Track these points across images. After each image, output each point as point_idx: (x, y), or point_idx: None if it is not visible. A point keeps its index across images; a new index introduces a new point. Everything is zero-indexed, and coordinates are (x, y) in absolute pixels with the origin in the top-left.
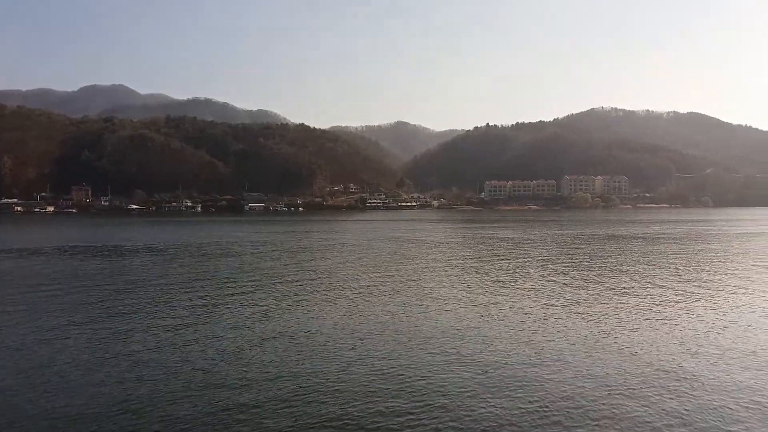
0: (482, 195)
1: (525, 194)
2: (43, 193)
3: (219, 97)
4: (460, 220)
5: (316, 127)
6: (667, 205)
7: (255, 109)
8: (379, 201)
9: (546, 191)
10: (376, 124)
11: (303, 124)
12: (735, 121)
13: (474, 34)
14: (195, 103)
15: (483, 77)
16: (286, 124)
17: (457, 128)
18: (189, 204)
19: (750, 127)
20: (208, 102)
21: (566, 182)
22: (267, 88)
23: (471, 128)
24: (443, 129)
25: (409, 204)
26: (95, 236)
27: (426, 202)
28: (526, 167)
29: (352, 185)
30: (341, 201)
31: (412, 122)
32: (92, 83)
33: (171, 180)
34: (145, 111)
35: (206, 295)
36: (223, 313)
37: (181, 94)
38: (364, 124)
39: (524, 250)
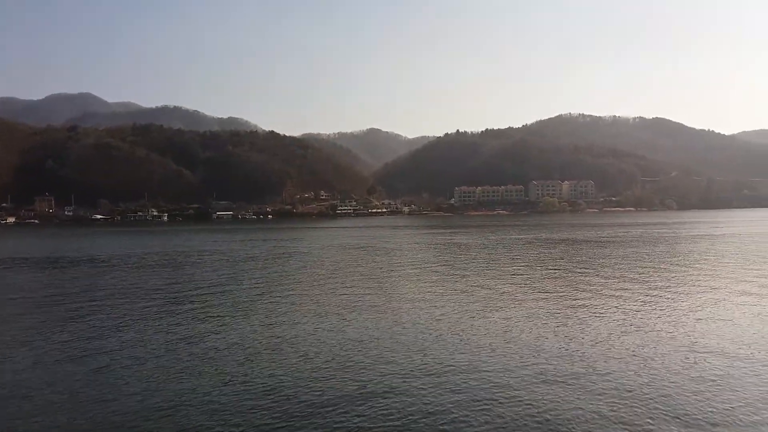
0: (452, 201)
1: (494, 199)
2: (4, 204)
3: (189, 105)
4: (423, 226)
5: (289, 134)
6: (633, 209)
7: (225, 116)
8: (349, 208)
9: (514, 196)
10: (349, 131)
11: (273, 131)
12: (698, 126)
13: (445, 41)
14: (164, 110)
15: (454, 84)
16: (256, 131)
17: (430, 135)
18: (155, 213)
19: (713, 131)
20: (177, 110)
21: (534, 187)
22: (238, 96)
23: (442, 135)
24: (416, 136)
25: (380, 210)
26: (40, 247)
27: (397, 208)
28: (496, 173)
29: (323, 192)
30: (311, 208)
31: (385, 129)
32: (58, 92)
33: (137, 189)
34: (113, 119)
35: (135, 309)
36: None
37: (150, 102)
38: (336, 131)
39: (471, 254)
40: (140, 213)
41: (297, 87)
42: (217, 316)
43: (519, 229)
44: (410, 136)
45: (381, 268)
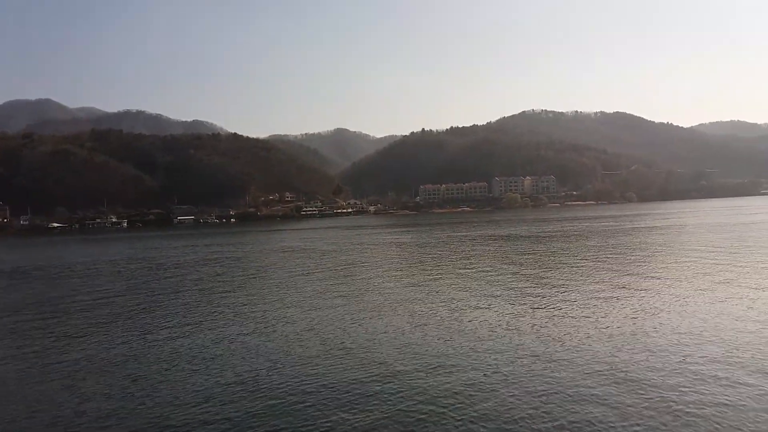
0: (418, 199)
1: (458, 197)
2: None
3: (152, 109)
4: (382, 225)
5: (256, 136)
6: (594, 202)
7: (190, 120)
8: (314, 209)
9: (478, 193)
10: (317, 131)
11: (235, 133)
12: (657, 119)
13: (412, 40)
14: (127, 115)
15: (421, 83)
16: (218, 134)
17: (397, 134)
18: (114, 220)
19: (671, 124)
20: (140, 114)
21: (497, 183)
22: (203, 99)
23: (409, 134)
24: (383, 135)
25: (346, 211)
26: None
27: (362, 208)
28: (461, 170)
29: (288, 194)
30: (276, 210)
31: (353, 129)
32: (17, 98)
33: (96, 196)
34: (74, 125)
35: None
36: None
37: (112, 107)
38: (303, 132)
39: (402, 253)
40: (99, 220)
41: (263, 88)
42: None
43: (470, 225)
44: (378, 135)
45: (297, 271)
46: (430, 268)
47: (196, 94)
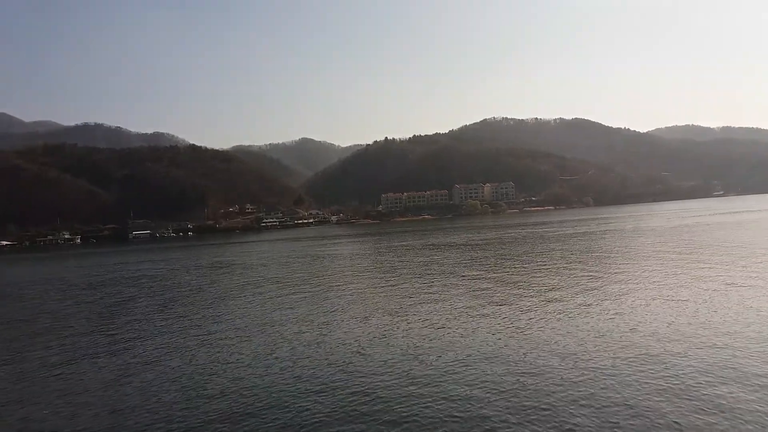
0: (380, 208)
1: (420, 205)
2: None
3: (111, 122)
4: (336, 235)
5: (220, 147)
6: (552, 207)
7: (150, 132)
8: (275, 220)
9: (439, 201)
10: (281, 141)
11: (194, 145)
12: (615, 125)
13: (375, 50)
14: (85, 128)
15: (385, 92)
16: (176, 146)
17: (363, 143)
18: (67, 236)
19: (629, 129)
20: (99, 127)
21: (457, 191)
22: (163, 111)
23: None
24: (349, 144)
25: (307, 221)
26: None
27: (324, 218)
28: (423, 178)
29: (248, 206)
30: (235, 223)
31: (318, 138)
32: None
33: (48, 212)
34: (30, 139)
35: None
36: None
37: (70, 120)
38: (268, 143)
39: (331, 265)
40: (51, 237)
41: (227, 100)
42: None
43: (428, 234)
44: (344, 145)
45: (215, 287)
46: (371, 277)
47: (157, 106)
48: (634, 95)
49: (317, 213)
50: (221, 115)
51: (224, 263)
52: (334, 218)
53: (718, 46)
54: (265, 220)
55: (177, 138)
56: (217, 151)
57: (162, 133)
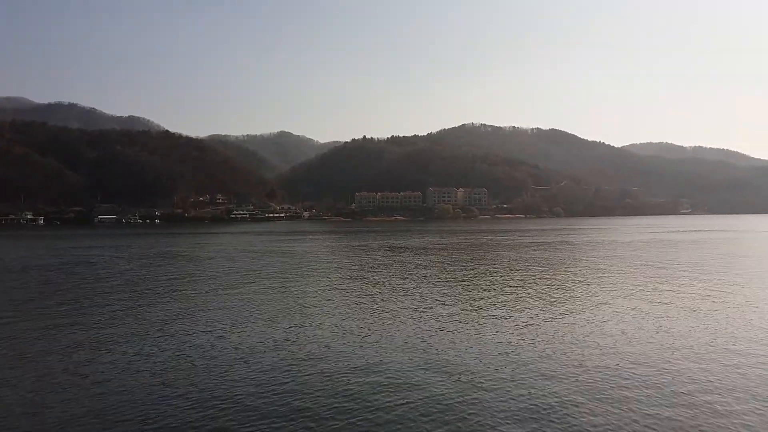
0: (353, 206)
1: (393, 205)
2: None
3: (86, 103)
4: (304, 231)
5: (196, 136)
6: (523, 216)
7: (125, 115)
8: (245, 212)
9: (412, 203)
10: (259, 133)
11: (167, 131)
12: (591, 138)
13: (359, 48)
14: (57, 107)
15: (366, 91)
16: (148, 131)
17: (342, 139)
18: (30, 216)
19: (603, 143)
20: (72, 107)
21: (431, 194)
22: (140, 95)
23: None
24: (327, 140)
25: (278, 215)
26: None
27: (296, 213)
28: (398, 179)
29: (219, 196)
30: (205, 212)
31: (297, 132)
32: None
33: (12, 190)
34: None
35: None
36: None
37: (44, 97)
38: (246, 134)
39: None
40: (12, 216)
41: (205, 87)
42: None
43: (394, 234)
44: (322, 141)
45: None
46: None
47: (135, 89)
48: (612, 110)
49: (289, 208)
50: (200, 103)
51: (171, 254)
52: (306, 214)
53: (693, 67)
54: (235, 212)
55: (152, 123)
56: (190, 138)
57: (137, 117)
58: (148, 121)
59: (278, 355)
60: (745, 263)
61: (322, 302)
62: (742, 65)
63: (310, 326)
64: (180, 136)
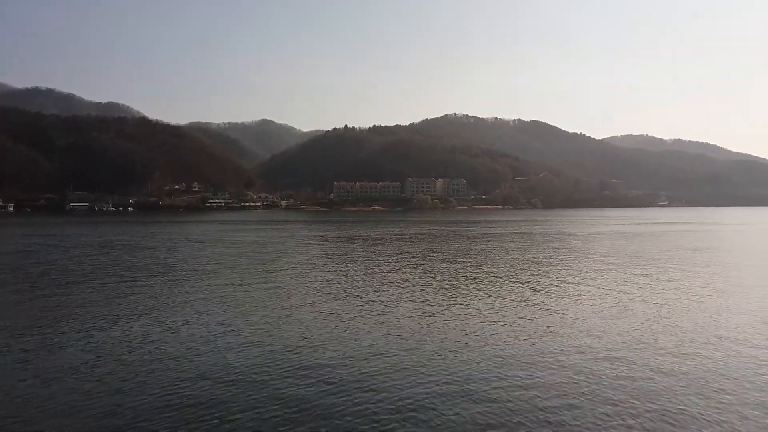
0: (331, 196)
1: (372, 195)
2: None
3: (64, 88)
4: (276, 221)
5: (177, 123)
6: (501, 207)
7: (105, 101)
8: (221, 201)
9: (391, 193)
10: (241, 121)
11: (144, 117)
12: (572, 130)
13: (344, 37)
14: (34, 92)
15: (350, 80)
16: (125, 117)
17: (324, 128)
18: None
19: (584, 135)
20: (50, 92)
21: (409, 184)
22: (120, 80)
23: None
24: (310, 129)
25: (255, 204)
26: None
27: (273, 202)
28: (378, 169)
29: (196, 184)
30: (180, 201)
31: (279, 121)
32: None
33: None
34: None
35: None
36: None
37: (22, 82)
38: (227, 121)
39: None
40: None
41: (187, 73)
42: None
43: (354, 225)
44: (305, 129)
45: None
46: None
47: (116, 76)
48: (593, 103)
49: (266, 197)
50: (183, 91)
51: (113, 243)
52: (283, 203)
53: (673, 60)
54: (210, 201)
55: (132, 109)
56: (168, 125)
57: (117, 104)
58: (128, 107)
59: (151, 351)
60: (687, 256)
61: (228, 296)
62: (720, 60)
63: (190, 322)
64: (157, 123)
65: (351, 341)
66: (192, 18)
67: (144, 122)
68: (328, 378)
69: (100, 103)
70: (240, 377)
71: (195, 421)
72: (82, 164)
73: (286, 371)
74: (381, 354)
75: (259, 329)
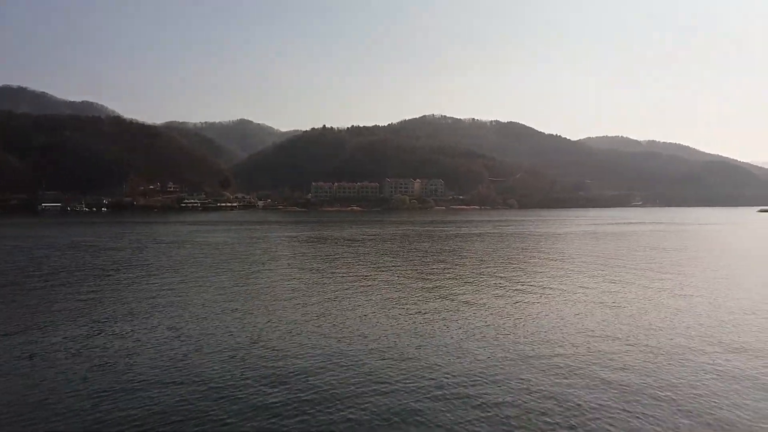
0: (309, 196)
1: (350, 196)
2: None
3: (37, 86)
4: (249, 221)
5: (153, 122)
6: (478, 207)
7: (79, 100)
8: (197, 201)
9: (369, 193)
10: (218, 121)
11: (118, 116)
12: (548, 131)
13: (326, 37)
14: (5, 91)
15: (329, 80)
16: (99, 116)
17: (303, 128)
18: None
19: (560, 136)
20: (22, 91)
21: (388, 185)
22: (94, 79)
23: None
24: (288, 129)
25: (231, 205)
26: None
27: (250, 202)
28: (357, 169)
29: (171, 184)
30: (154, 201)
31: (257, 121)
32: None
33: None
34: None
35: None
36: None
37: None
38: (204, 121)
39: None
40: None
41: (164, 74)
42: None
43: (328, 225)
44: (283, 129)
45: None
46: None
47: (90, 74)
48: (569, 104)
49: (243, 197)
50: (159, 90)
51: (77, 245)
52: (260, 203)
53: (648, 63)
54: (186, 201)
55: (107, 109)
56: (143, 125)
57: (91, 103)
58: (104, 107)
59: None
60: (653, 255)
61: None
62: (693, 63)
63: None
64: (132, 123)
65: (306, 345)
66: (168, 17)
67: (119, 121)
68: (271, 381)
69: (74, 102)
70: (179, 380)
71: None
72: (55, 164)
73: (228, 375)
74: (309, 356)
75: (209, 333)
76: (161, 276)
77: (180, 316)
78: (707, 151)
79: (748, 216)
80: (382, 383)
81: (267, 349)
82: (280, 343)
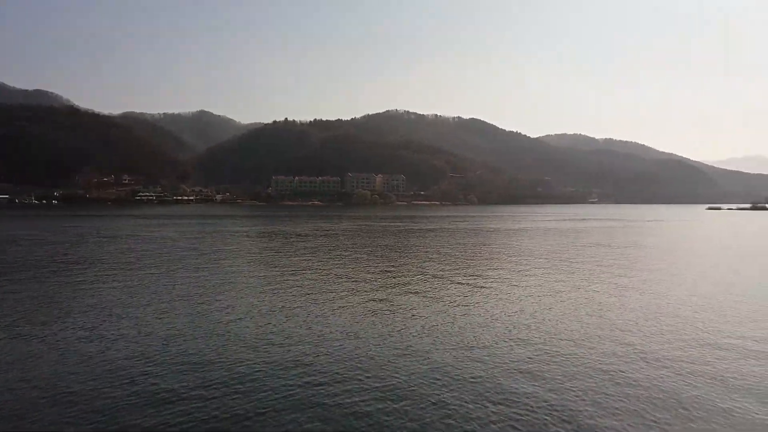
0: (269, 190)
1: (311, 190)
2: None
3: None
4: (202, 215)
5: (109, 112)
6: (439, 203)
7: (32, 89)
8: (152, 194)
9: (331, 187)
10: (178, 112)
11: (73, 107)
12: (509, 128)
13: (289, 29)
14: None
15: (293, 73)
16: (52, 106)
17: (265, 121)
18: None
19: (520, 133)
20: None
21: (349, 179)
22: (48, 67)
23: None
24: (250, 121)
25: (188, 198)
26: None
27: (208, 195)
28: (319, 163)
29: (126, 177)
30: (108, 194)
31: (217, 113)
32: None
33: None
34: None
35: None
36: None
37: None
38: (163, 112)
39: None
40: None
41: (121, 63)
42: None
43: (282, 220)
44: (244, 122)
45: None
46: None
47: (43, 61)
48: (530, 102)
49: (201, 191)
50: (116, 79)
51: (20, 240)
52: (219, 197)
53: (606, 63)
54: (141, 194)
55: (62, 98)
56: (98, 115)
57: (45, 92)
58: (58, 96)
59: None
60: (600, 252)
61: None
62: (650, 63)
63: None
64: (86, 113)
65: (240, 345)
66: (126, 5)
67: (74, 111)
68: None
69: (27, 90)
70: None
71: None
72: (6, 155)
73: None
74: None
75: (122, 335)
76: (89, 272)
77: (88, 316)
78: (661, 149)
79: (696, 213)
80: (327, 385)
81: (191, 353)
82: (200, 343)
